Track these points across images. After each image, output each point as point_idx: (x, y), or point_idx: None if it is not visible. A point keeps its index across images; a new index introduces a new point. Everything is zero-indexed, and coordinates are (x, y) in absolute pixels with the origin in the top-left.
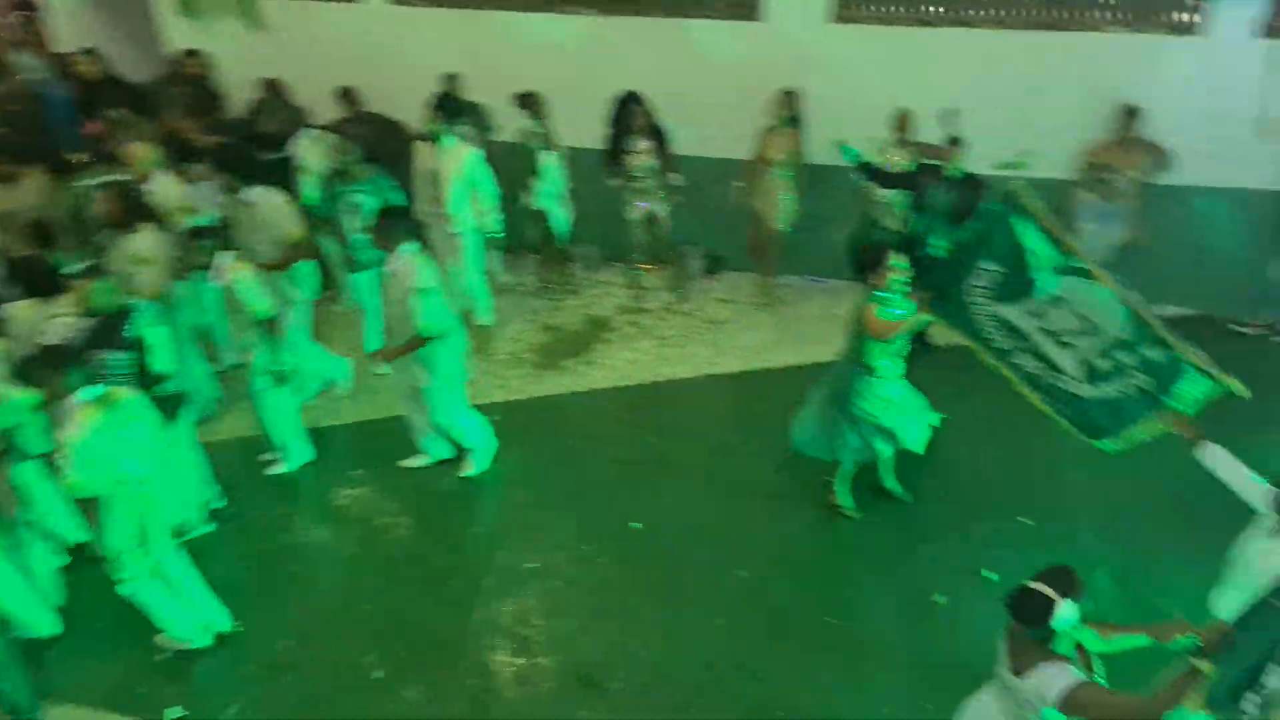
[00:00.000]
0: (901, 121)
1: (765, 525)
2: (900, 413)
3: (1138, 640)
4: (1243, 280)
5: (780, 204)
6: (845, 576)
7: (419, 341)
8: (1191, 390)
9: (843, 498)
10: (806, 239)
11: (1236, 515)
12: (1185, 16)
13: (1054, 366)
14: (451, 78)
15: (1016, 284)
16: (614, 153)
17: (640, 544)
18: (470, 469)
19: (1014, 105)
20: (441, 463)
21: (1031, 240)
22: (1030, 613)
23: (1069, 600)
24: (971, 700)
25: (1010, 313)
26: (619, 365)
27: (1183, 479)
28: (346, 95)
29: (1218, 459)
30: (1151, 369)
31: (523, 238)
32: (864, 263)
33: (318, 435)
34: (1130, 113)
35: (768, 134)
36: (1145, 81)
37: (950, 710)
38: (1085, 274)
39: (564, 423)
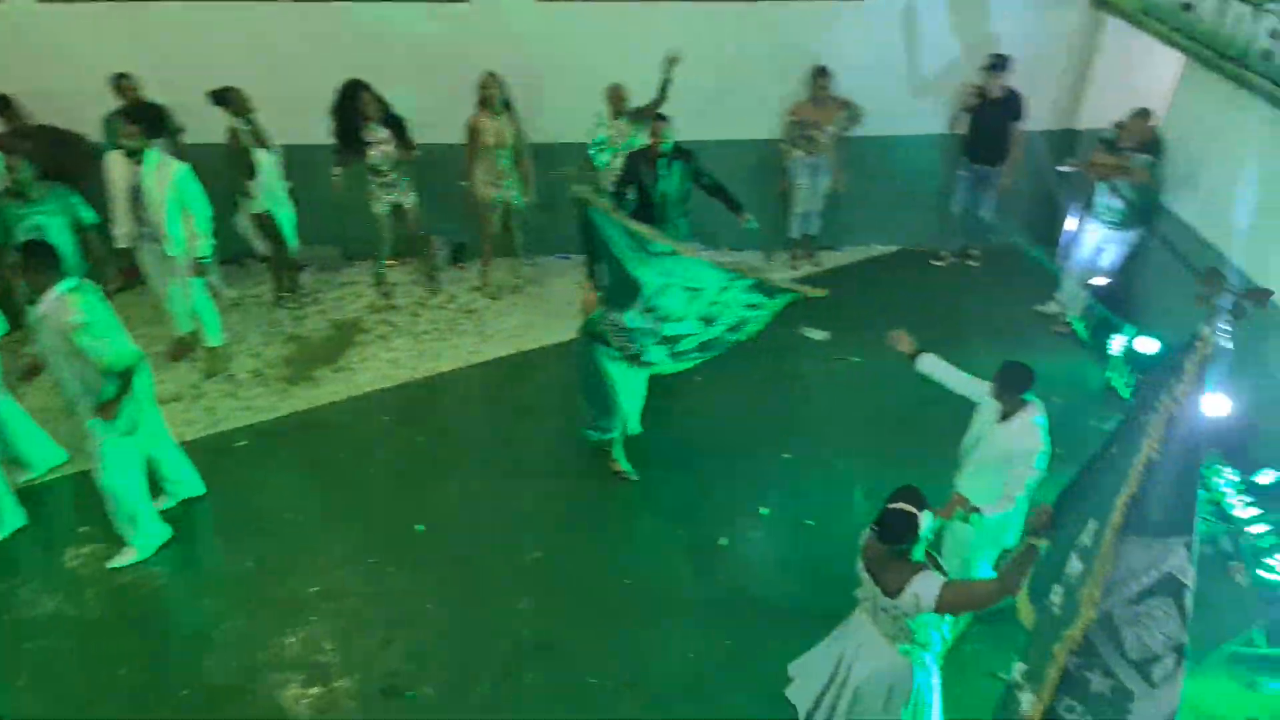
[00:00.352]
0: (615, 95)
1: (549, 505)
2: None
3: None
4: (933, 217)
5: (504, 188)
6: (634, 539)
7: (125, 381)
8: (780, 299)
9: (622, 463)
10: (552, 218)
11: (957, 417)
12: None
13: (680, 336)
14: (122, 78)
15: (624, 288)
16: (348, 145)
17: (428, 546)
18: (128, 557)
19: (720, 73)
20: (186, 502)
21: (614, 234)
22: (899, 532)
23: (925, 511)
24: (841, 635)
25: (630, 318)
26: (378, 367)
27: (906, 400)
28: (4, 105)
29: (935, 366)
30: (751, 293)
31: (247, 245)
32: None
33: (27, 495)
34: (821, 72)
35: (477, 119)
36: (831, 42)
37: (746, 640)
38: (671, 253)
39: (326, 436)
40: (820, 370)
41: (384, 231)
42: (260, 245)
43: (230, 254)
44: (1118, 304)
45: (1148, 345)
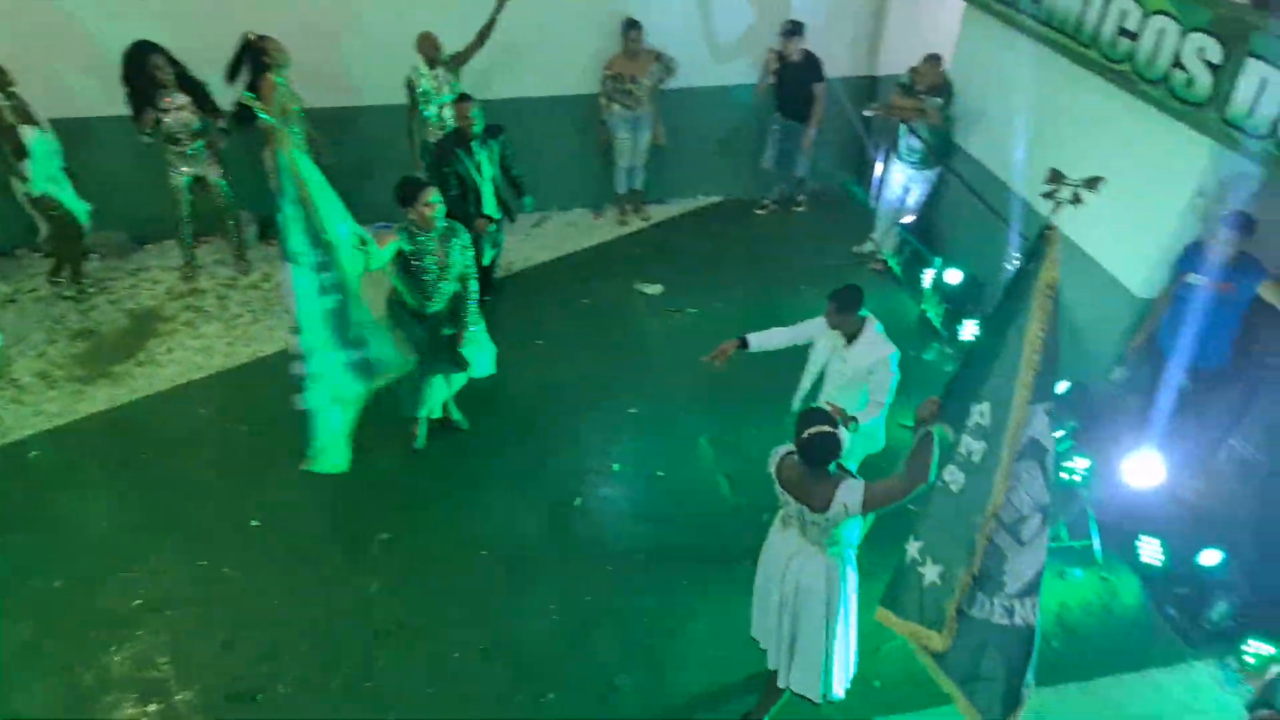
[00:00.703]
0: (427, 42)
1: (393, 483)
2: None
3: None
4: (755, 166)
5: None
6: (487, 508)
7: None
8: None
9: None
10: (362, 184)
11: (791, 356)
12: None
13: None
14: None
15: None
16: (142, 114)
17: (265, 540)
18: None
19: (535, 29)
20: None
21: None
22: (825, 453)
23: (841, 427)
24: (770, 560)
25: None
26: (187, 357)
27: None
28: None
29: (765, 339)
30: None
31: (16, 235)
32: (402, 197)
33: None
34: (631, 24)
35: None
36: None
37: (606, 592)
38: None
39: (135, 436)
40: (657, 324)
41: (183, 207)
42: (44, 231)
43: (6, 245)
44: (926, 239)
45: (954, 276)
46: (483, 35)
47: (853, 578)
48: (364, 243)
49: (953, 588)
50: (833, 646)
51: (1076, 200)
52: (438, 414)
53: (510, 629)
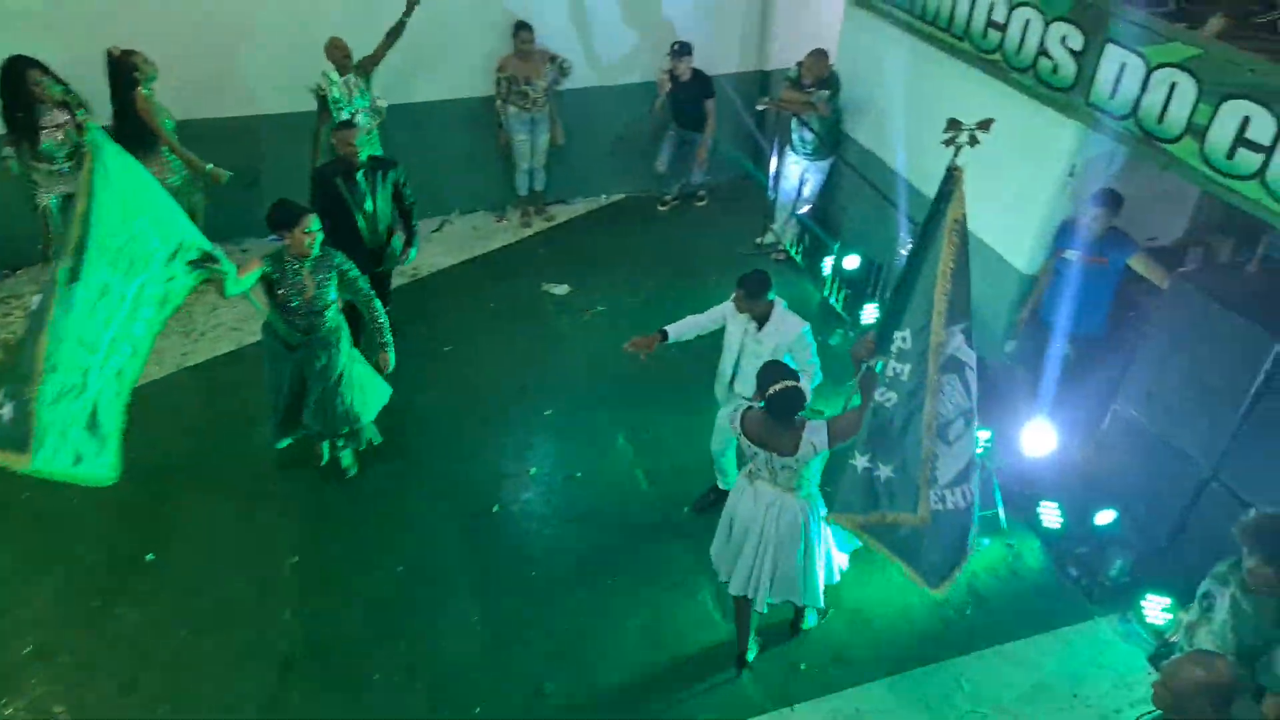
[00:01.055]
0: (336, 48)
1: (301, 505)
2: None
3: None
4: (652, 163)
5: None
6: (402, 522)
7: None
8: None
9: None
10: (245, 197)
11: (702, 346)
12: None
13: None
14: None
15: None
16: (17, 130)
17: (163, 575)
18: None
19: (428, 33)
20: None
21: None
22: (792, 404)
23: (804, 378)
24: (743, 511)
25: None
26: None
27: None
28: None
29: (680, 329)
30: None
31: None
32: (276, 221)
33: None
34: (521, 26)
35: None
36: None
37: (530, 597)
38: None
39: (8, 471)
40: (567, 323)
41: (54, 229)
42: None
43: None
44: (824, 227)
45: (852, 262)
46: (392, 36)
47: (822, 513)
48: (211, 261)
49: (914, 475)
50: (814, 568)
51: (974, 142)
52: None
53: (432, 644)
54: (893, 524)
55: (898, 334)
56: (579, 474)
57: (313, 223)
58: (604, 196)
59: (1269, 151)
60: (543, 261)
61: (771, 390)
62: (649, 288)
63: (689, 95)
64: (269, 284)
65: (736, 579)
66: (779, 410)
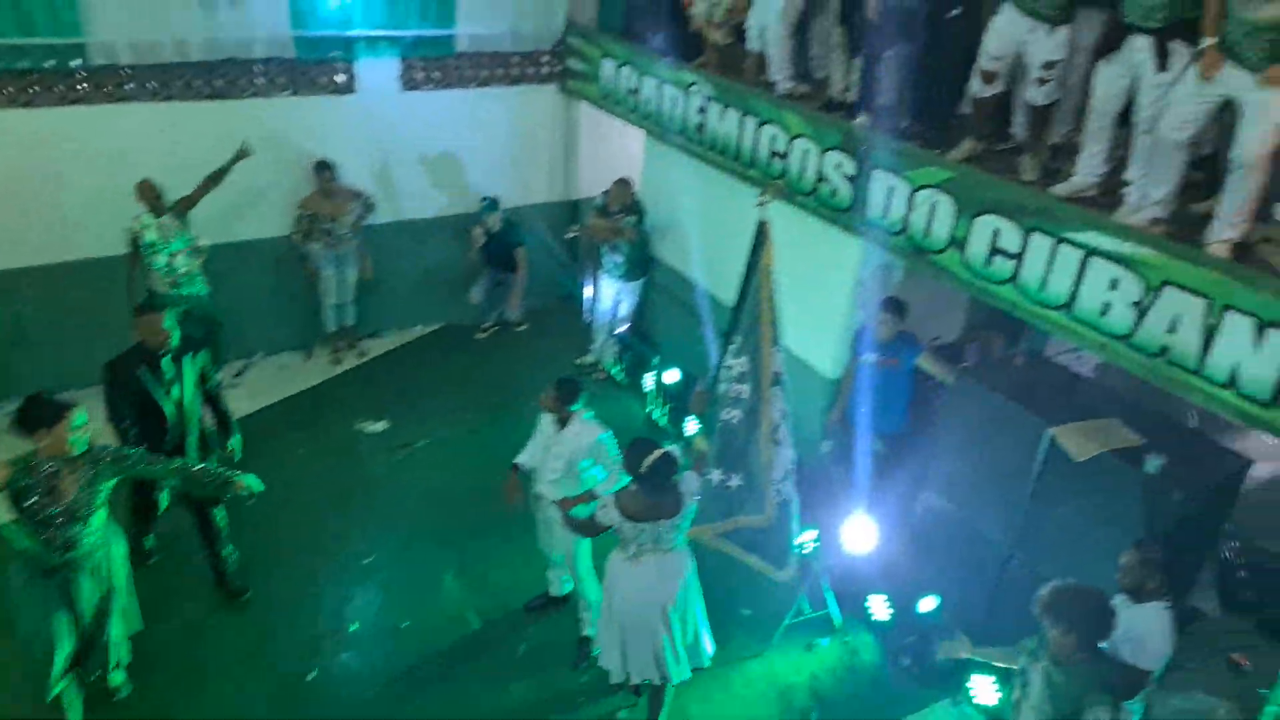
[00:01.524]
0: (147, 191)
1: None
2: None
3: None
4: (466, 294)
5: None
6: (206, 700)
7: None
8: None
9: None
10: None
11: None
12: (340, 78)
13: None
14: None
15: None
16: None
17: None
18: None
19: (232, 174)
20: None
21: None
22: (670, 470)
23: (670, 446)
24: (635, 590)
25: None
26: None
27: (473, 470)
28: None
29: (527, 460)
30: None
31: None
32: (29, 419)
33: None
34: (323, 165)
35: None
36: (329, 136)
37: None
38: None
39: None
40: (385, 462)
41: None
42: None
43: None
44: (644, 344)
45: (672, 376)
46: (212, 181)
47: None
48: None
49: (759, 479)
50: (700, 617)
51: (781, 194)
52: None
53: None
54: (744, 526)
55: (735, 361)
56: (405, 624)
57: (77, 418)
58: (420, 327)
59: (1018, 258)
60: (356, 399)
61: (646, 465)
62: (472, 417)
63: (500, 245)
64: (15, 495)
65: (638, 664)
66: (659, 479)
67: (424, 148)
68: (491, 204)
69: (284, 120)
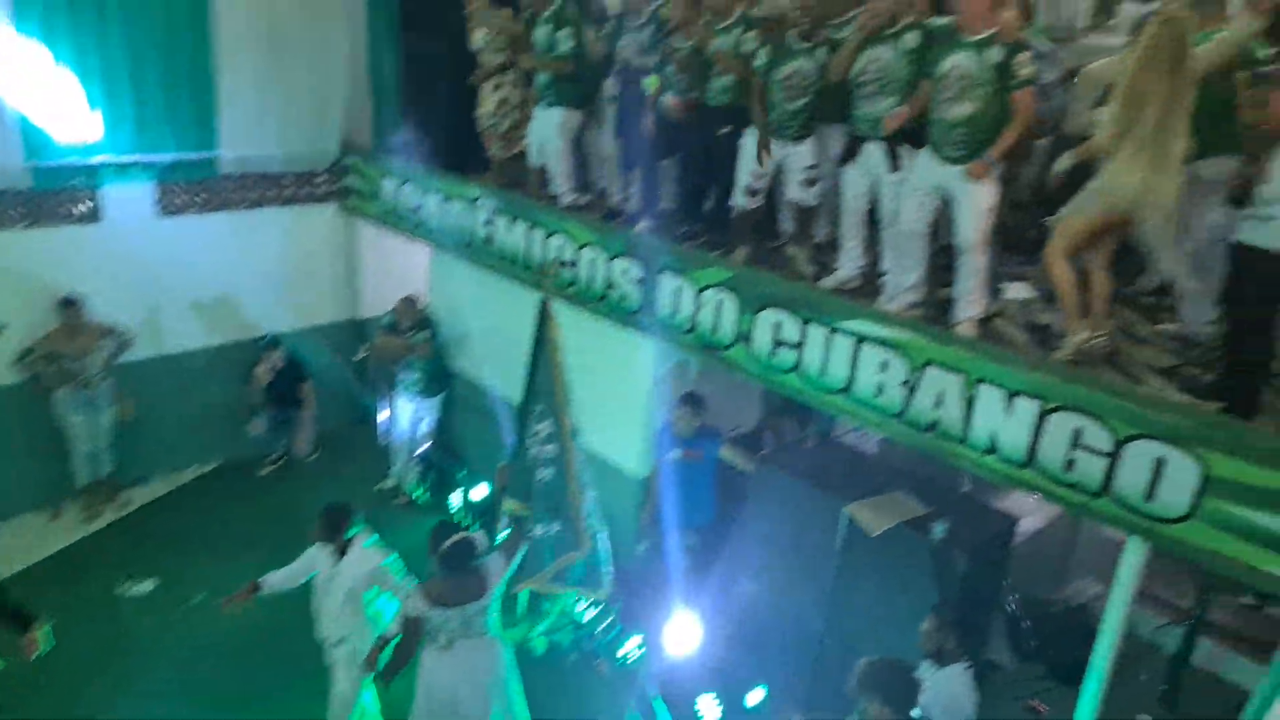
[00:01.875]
0: None
1: None
2: None
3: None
4: (245, 426)
5: None
6: None
7: None
8: None
9: None
10: None
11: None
12: (82, 207)
13: None
14: None
15: None
16: None
17: None
18: None
19: None
20: None
21: None
22: (472, 551)
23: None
24: (450, 681)
25: None
26: None
27: (261, 617)
28: None
29: (275, 580)
30: None
31: None
32: None
33: None
34: (67, 301)
35: None
36: (76, 269)
37: None
38: None
39: None
40: (159, 625)
41: None
42: None
43: None
44: (447, 461)
45: (480, 491)
46: None
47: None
48: None
49: (573, 521)
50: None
51: (568, 265)
52: None
53: None
54: (565, 565)
55: (540, 426)
56: None
57: None
58: (194, 468)
59: (799, 348)
60: (118, 558)
61: (445, 547)
62: (258, 562)
63: (286, 381)
64: None
65: None
66: (460, 561)
67: (189, 275)
68: (272, 340)
69: (21, 254)
